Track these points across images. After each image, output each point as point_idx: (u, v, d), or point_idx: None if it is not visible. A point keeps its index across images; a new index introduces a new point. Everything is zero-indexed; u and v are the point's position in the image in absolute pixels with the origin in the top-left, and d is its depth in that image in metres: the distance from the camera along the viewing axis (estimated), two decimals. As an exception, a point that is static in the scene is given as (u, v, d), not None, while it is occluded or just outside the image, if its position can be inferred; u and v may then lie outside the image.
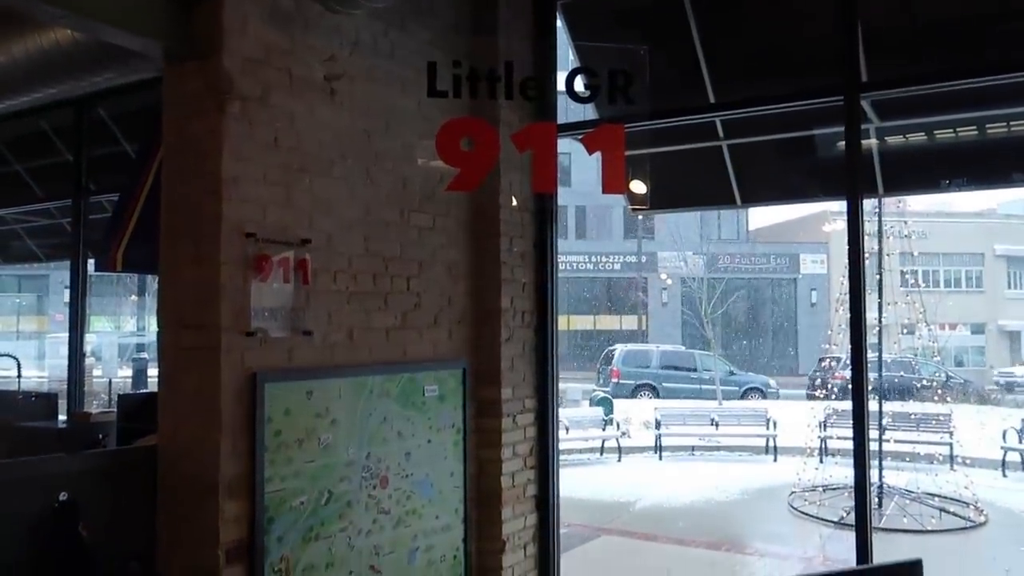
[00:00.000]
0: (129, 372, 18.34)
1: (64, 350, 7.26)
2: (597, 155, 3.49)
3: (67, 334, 7.06)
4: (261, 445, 3.35)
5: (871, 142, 5.87)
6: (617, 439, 14.92)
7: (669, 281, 31.87)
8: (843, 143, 4.30)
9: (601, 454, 14.79)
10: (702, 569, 7.61)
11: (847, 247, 4.35)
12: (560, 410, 5.59)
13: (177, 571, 3.27)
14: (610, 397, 18.03)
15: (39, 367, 22.88)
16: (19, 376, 7.31)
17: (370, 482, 3.87)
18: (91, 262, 6.77)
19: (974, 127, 5.83)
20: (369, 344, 3.95)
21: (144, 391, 6.61)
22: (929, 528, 9.38)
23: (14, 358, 7.67)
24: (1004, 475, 12.63)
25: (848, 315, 4.46)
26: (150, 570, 3.26)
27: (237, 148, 3.35)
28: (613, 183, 3.37)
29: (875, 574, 2.44)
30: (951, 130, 5.88)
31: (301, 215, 3.63)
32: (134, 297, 24.61)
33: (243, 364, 3.32)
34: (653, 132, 5.72)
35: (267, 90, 3.50)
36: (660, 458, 14.59)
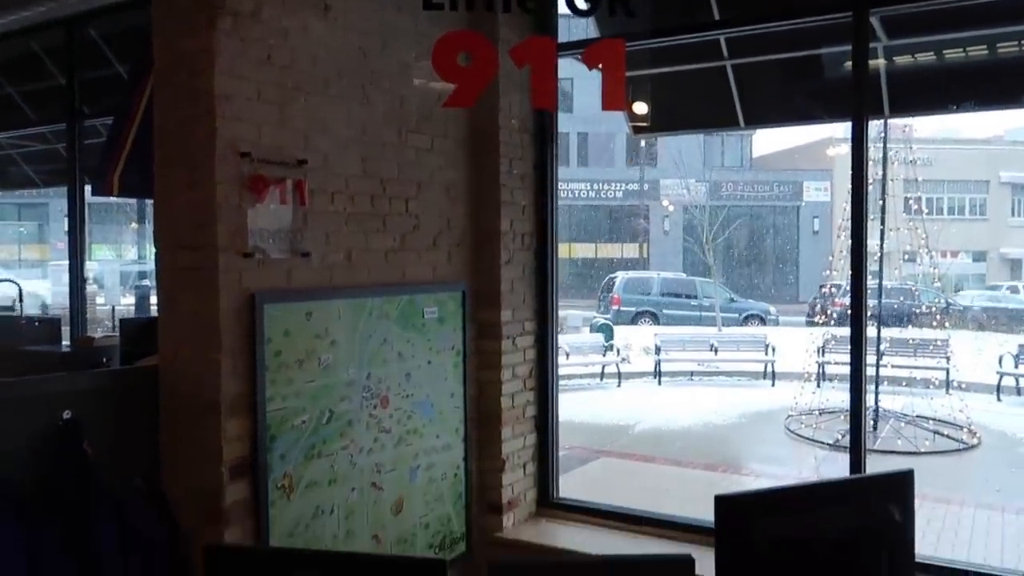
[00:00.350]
0: (132, 299, 18.42)
1: (66, 278, 7.28)
2: (598, 76, 3.40)
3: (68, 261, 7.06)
4: (261, 365, 3.37)
5: (879, 62, 5.73)
6: (617, 365, 15.09)
7: (671, 208, 31.72)
8: (850, 63, 4.19)
9: (601, 379, 14.98)
10: (700, 489, 7.76)
11: (851, 171, 4.29)
12: (561, 336, 5.60)
13: (181, 488, 3.32)
14: (610, 324, 18.13)
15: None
16: (20, 301, 7.34)
17: (371, 402, 3.91)
18: (88, 187, 6.72)
19: (984, 46, 5.70)
20: (368, 266, 3.94)
21: (146, 316, 6.64)
22: (922, 450, 9.55)
23: (16, 283, 7.70)
24: (999, 399, 12.81)
25: (850, 242, 4.42)
26: (155, 488, 3.32)
27: (230, 65, 3.28)
28: (613, 100, 3.29)
29: (869, 483, 2.48)
30: (960, 49, 5.74)
31: (296, 135, 3.57)
32: (134, 225, 24.53)
33: (241, 285, 3.31)
34: (655, 52, 5.58)
35: (259, 5, 3.40)
36: (659, 383, 14.78)
